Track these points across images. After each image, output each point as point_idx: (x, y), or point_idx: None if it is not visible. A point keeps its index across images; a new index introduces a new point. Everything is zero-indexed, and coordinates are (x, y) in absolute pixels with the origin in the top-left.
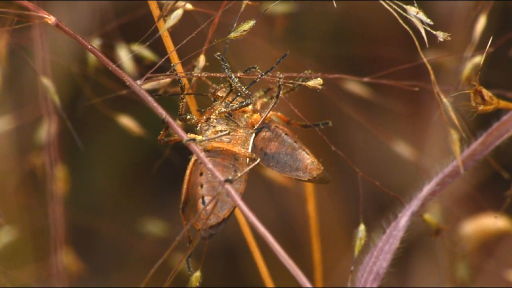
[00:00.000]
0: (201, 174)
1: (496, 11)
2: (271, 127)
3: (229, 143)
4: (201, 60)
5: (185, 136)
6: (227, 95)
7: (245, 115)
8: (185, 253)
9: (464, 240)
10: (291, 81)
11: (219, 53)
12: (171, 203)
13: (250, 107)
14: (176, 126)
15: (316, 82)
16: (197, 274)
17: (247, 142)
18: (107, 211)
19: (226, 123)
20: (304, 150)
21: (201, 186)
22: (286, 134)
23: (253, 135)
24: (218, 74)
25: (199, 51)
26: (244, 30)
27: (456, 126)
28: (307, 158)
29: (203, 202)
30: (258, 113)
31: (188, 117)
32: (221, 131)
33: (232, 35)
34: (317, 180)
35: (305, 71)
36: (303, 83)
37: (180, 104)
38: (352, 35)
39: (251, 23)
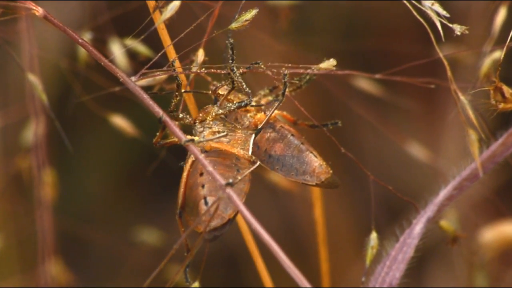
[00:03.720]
0: (201, 174)
1: None
2: (276, 127)
3: (228, 144)
4: (200, 55)
5: (183, 137)
6: (229, 93)
7: (248, 115)
8: (182, 263)
9: (483, 249)
10: (297, 78)
11: (231, 41)
12: (167, 209)
13: (254, 104)
14: (174, 126)
15: (329, 64)
16: (196, 285)
17: (247, 143)
18: (98, 218)
19: (223, 124)
20: (311, 152)
21: (202, 186)
22: (292, 135)
23: (253, 136)
24: (218, 70)
25: (198, 43)
26: (246, 20)
27: (474, 125)
28: (315, 161)
29: (206, 203)
30: (262, 112)
31: (181, 116)
32: (218, 132)
33: (233, 25)
34: (326, 184)
35: (312, 68)
36: (312, 78)
37: (173, 100)
38: (363, 28)
39: (254, 12)
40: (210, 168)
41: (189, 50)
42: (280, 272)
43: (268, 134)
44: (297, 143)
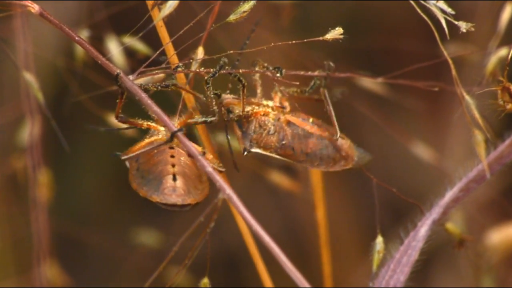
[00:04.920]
0: (172, 156)
1: None
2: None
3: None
4: (200, 53)
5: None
6: (242, 96)
7: (270, 118)
8: (182, 265)
9: (490, 252)
10: (296, 90)
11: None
12: (166, 211)
13: (271, 103)
14: (173, 125)
15: (335, 33)
16: (205, 280)
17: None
18: (96, 220)
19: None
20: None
21: (173, 165)
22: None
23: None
24: (221, 71)
25: (197, 38)
26: (244, 11)
27: (480, 126)
28: (345, 143)
29: (174, 179)
30: (285, 111)
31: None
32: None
33: (232, 17)
34: (360, 161)
35: (316, 71)
36: (316, 83)
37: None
38: (366, 26)
39: (251, 2)
40: (210, 169)
41: (188, 47)
42: (282, 275)
43: (298, 132)
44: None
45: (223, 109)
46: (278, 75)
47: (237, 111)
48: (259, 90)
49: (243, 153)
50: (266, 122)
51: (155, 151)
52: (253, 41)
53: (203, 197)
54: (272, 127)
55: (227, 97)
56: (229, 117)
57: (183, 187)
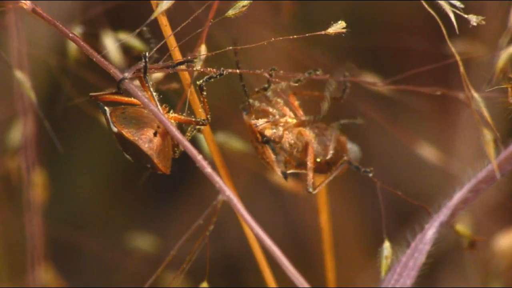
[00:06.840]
0: (158, 127)
1: None
2: (318, 129)
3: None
4: (203, 51)
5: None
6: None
7: (295, 134)
8: (179, 269)
9: (498, 256)
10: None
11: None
12: (162, 213)
13: (291, 120)
14: (171, 125)
15: (337, 27)
16: (204, 284)
17: None
18: (91, 223)
19: None
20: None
21: (158, 127)
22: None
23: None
24: (227, 70)
25: (195, 33)
26: (244, 6)
27: (489, 125)
28: (337, 145)
29: (155, 134)
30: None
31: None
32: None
33: (231, 12)
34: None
35: (314, 71)
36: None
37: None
38: (370, 22)
39: None
40: (209, 170)
41: (186, 45)
42: (284, 280)
43: (317, 139)
44: (331, 134)
45: (258, 135)
46: (268, 75)
47: (269, 133)
48: (273, 102)
49: (284, 177)
50: (295, 140)
51: (145, 111)
52: (254, 39)
53: (162, 170)
54: (300, 144)
55: (261, 123)
56: (264, 142)
57: (158, 145)
